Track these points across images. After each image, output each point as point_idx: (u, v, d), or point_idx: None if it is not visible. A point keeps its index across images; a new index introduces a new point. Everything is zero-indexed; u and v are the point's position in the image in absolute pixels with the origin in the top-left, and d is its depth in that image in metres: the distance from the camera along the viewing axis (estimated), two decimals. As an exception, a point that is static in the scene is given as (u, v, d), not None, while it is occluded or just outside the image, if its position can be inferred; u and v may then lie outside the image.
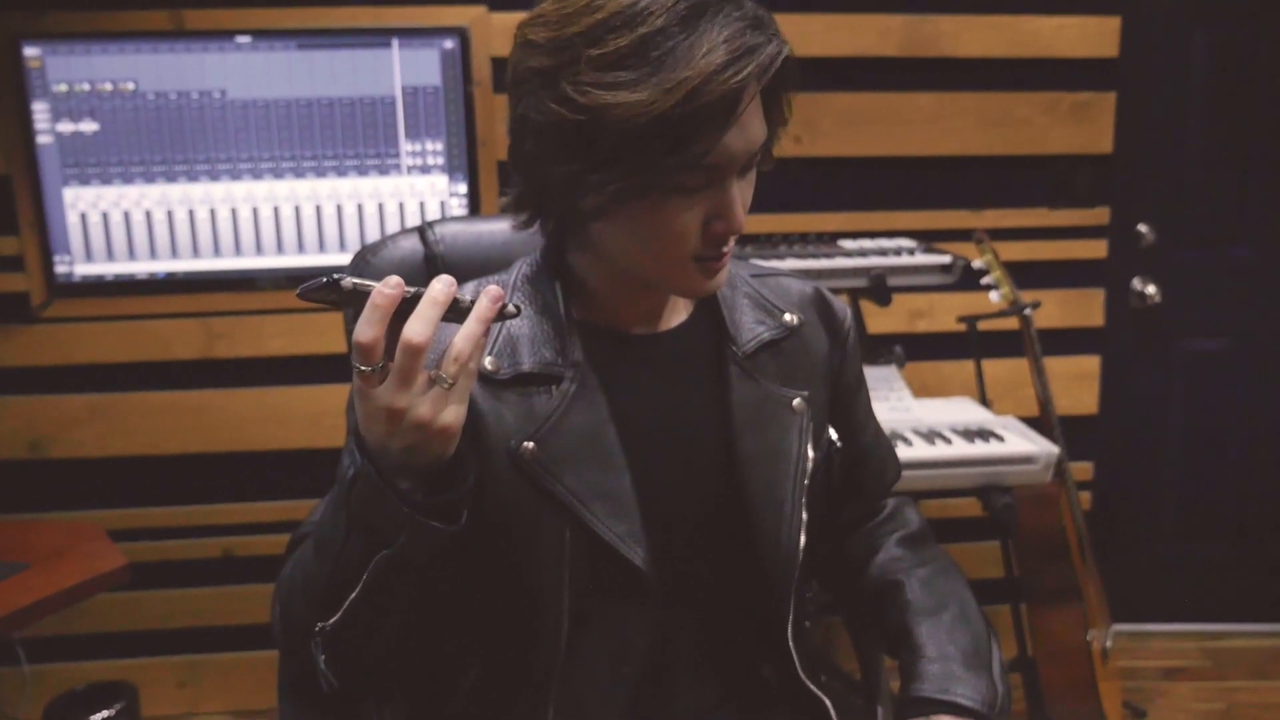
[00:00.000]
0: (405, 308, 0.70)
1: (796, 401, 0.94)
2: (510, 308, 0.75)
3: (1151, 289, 2.39)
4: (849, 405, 1.03)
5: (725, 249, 0.84)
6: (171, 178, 2.07)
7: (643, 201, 0.78)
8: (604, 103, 0.73)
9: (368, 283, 0.69)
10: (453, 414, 0.72)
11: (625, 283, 0.90)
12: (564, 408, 0.87)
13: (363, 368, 0.70)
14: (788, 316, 0.97)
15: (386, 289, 0.69)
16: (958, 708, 0.89)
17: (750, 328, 0.95)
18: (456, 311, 0.72)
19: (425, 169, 2.13)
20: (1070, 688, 1.99)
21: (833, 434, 1.00)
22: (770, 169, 0.90)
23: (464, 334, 0.72)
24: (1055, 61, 2.25)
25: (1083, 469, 2.45)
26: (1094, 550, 2.11)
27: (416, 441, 0.72)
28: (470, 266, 1.11)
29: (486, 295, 0.72)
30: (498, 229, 1.18)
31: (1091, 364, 2.42)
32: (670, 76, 0.72)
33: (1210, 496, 2.55)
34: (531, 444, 0.85)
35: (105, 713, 1.98)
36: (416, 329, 0.69)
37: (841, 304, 1.03)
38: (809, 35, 2.15)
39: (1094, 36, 2.24)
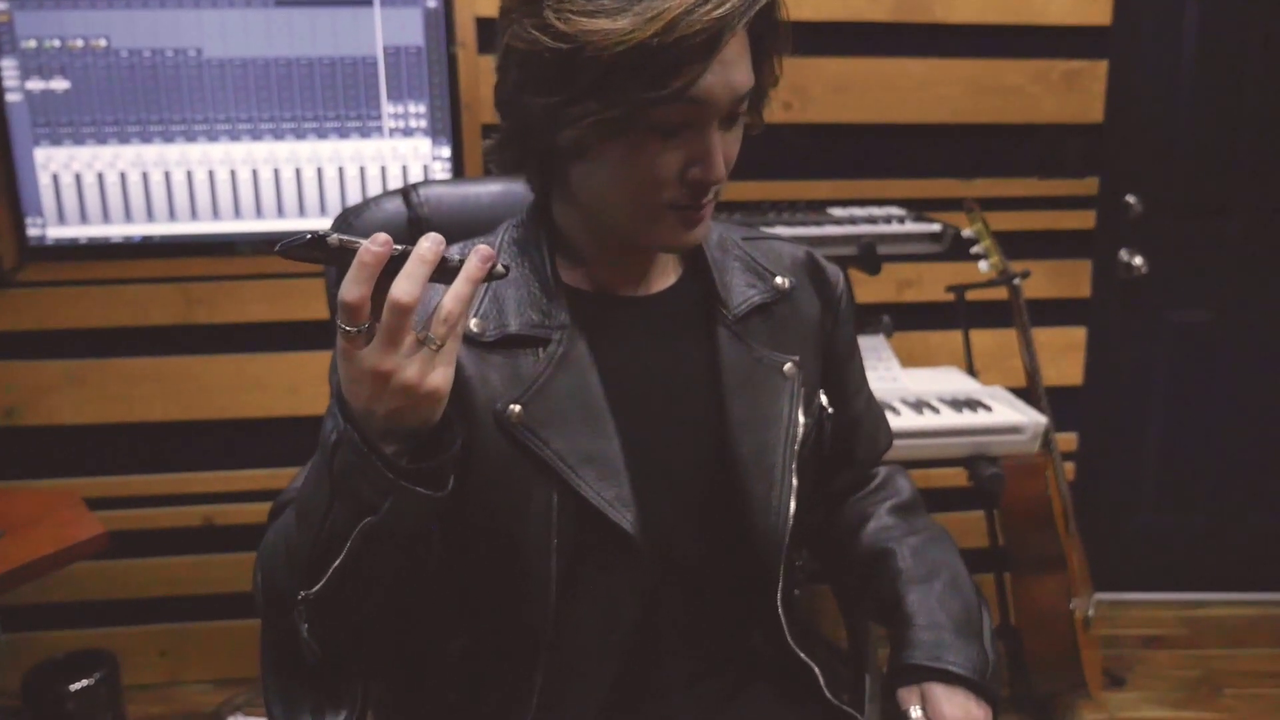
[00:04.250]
0: (392, 266, 0.67)
1: (787, 366, 0.93)
2: (499, 268, 0.73)
3: (1138, 260, 2.39)
4: (841, 371, 1.01)
5: (705, 200, 0.82)
6: (146, 138, 2.01)
7: (621, 140, 0.77)
8: (584, 29, 0.72)
9: (354, 239, 0.67)
10: (440, 376, 0.70)
11: (609, 240, 0.88)
12: (551, 370, 0.85)
13: (348, 328, 0.68)
14: (779, 280, 0.95)
15: (374, 246, 0.66)
16: (949, 675, 0.89)
17: (741, 290, 0.94)
18: (444, 271, 0.70)
19: (407, 132, 2.09)
20: (1053, 656, 2.01)
21: (824, 400, 0.98)
22: (759, 132, 0.89)
23: (453, 294, 0.69)
24: (1047, 29, 2.23)
25: (1067, 439, 2.46)
26: (1076, 520, 2.12)
27: (403, 405, 0.70)
28: (455, 229, 1.08)
29: (476, 254, 0.70)
30: (484, 191, 1.17)
31: (1077, 335, 2.42)
32: (651, 6, 0.72)
33: (1192, 468, 2.57)
34: (518, 407, 0.83)
35: (85, 681, 1.97)
36: (405, 288, 0.67)
37: (834, 268, 1.01)
38: (800, -1, 2.12)
39: (1087, 4, 2.22)
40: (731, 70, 0.77)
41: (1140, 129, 2.35)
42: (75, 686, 1.95)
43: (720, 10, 0.72)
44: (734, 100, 0.79)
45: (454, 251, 0.87)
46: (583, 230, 0.89)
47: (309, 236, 0.66)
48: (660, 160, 0.78)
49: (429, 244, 0.69)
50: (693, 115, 0.77)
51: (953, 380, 1.98)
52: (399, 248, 0.68)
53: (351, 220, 1.12)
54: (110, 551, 1.63)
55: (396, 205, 1.13)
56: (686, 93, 0.74)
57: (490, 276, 0.72)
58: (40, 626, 2.20)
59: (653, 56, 0.72)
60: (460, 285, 0.70)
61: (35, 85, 1.97)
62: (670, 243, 0.85)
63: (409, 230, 1.12)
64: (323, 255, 0.67)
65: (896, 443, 1.12)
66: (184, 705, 2.22)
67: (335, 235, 0.66)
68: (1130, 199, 2.39)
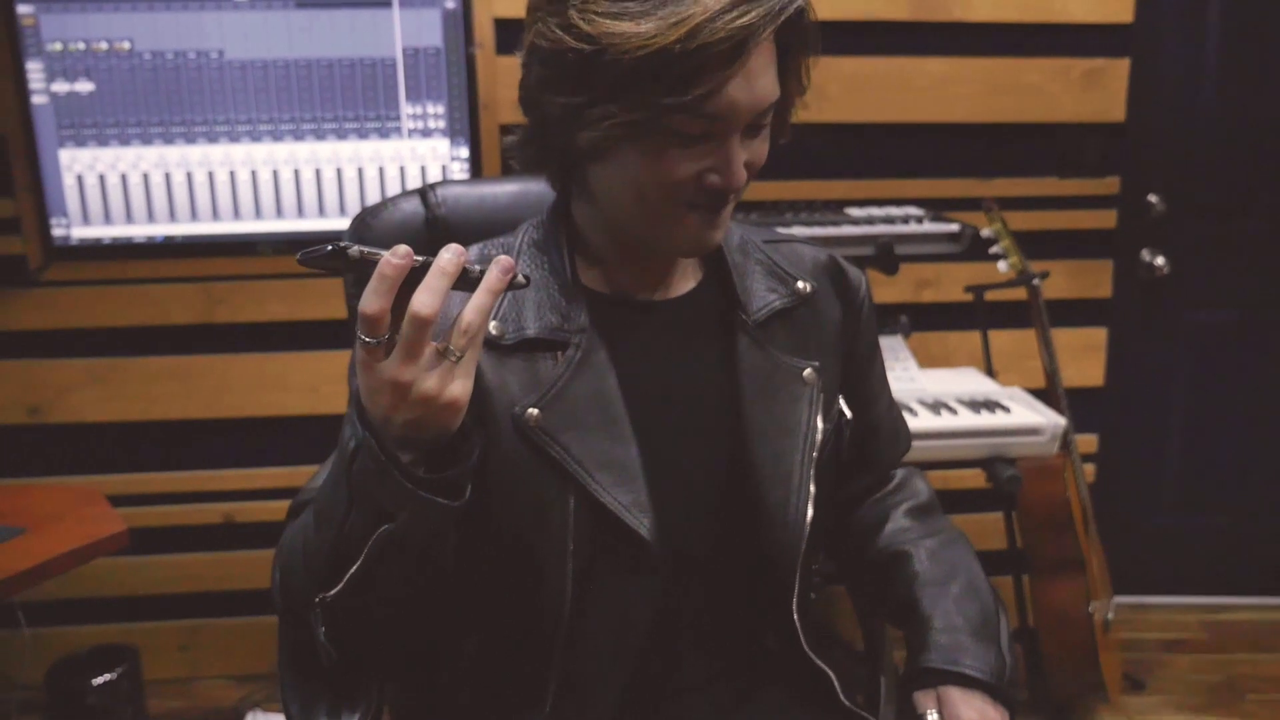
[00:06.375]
0: (412, 277, 0.67)
1: (807, 372, 0.93)
2: (520, 278, 0.72)
3: (1160, 260, 2.36)
4: (862, 376, 1.01)
5: (725, 203, 0.81)
6: (169, 139, 2.03)
7: (639, 144, 0.77)
8: (606, 31, 0.72)
9: (376, 251, 0.67)
10: (459, 387, 0.70)
11: (627, 242, 0.88)
12: (569, 374, 0.85)
13: (368, 339, 0.68)
14: (800, 284, 0.95)
15: (395, 258, 0.66)
16: (966, 679, 0.88)
17: (762, 295, 0.93)
18: (465, 281, 0.70)
19: (426, 132, 2.10)
20: (1071, 659, 1.99)
21: (843, 406, 0.98)
22: (786, 140, 0.87)
23: (473, 306, 0.69)
24: (1068, 27, 2.21)
25: (1087, 441, 2.44)
26: (1096, 522, 2.10)
27: (421, 415, 0.70)
28: (473, 230, 1.09)
29: (497, 266, 0.70)
30: (501, 192, 1.16)
31: (1098, 335, 2.40)
32: (675, 11, 0.71)
33: (1214, 470, 2.54)
34: (536, 411, 0.83)
35: (107, 676, 1.99)
36: (425, 300, 0.67)
37: (856, 272, 1.01)
38: (818, -2, 2.11)
39: (1108, 1, 2.19)
40: (756, 82, 0.76)
41: (1162, 128, 2.33)
42: (97, 681, 1.97)
43: (745, 19, 0.71)
44: (757, 112, 0.78)
45: (473, 253, 0.87)
46: (602, 232, 0.89)
47: (330, 248, 0.66)
48: (678, 166, 0.78)
49: (449, 256, 0.68)
50: (713, 127, 0.77)
51: (971, 381, 1.97)
52: (419, 259, 0.68)
53: (369, 221, 1.12)
54: (132, 548, 1.64)
55: (414, 205, 1.13)
56: (707, 101, 0.74)
57: (511, 286, 0.72)
58: (63, 622, 2.22)
59: (674, 62, 0.71)
60: (480, 297, 0.70)
61: (60, 87, 1.99)
62: (686, 246, 0.85)
63: (426, 230, 1.12)
64: (343, 266, 0.67)
65: (914, 444, 1.11)
66: (204, 700, 2.24)
67: (356, 247, 0.67)
68: (1152, 198, 2.36)
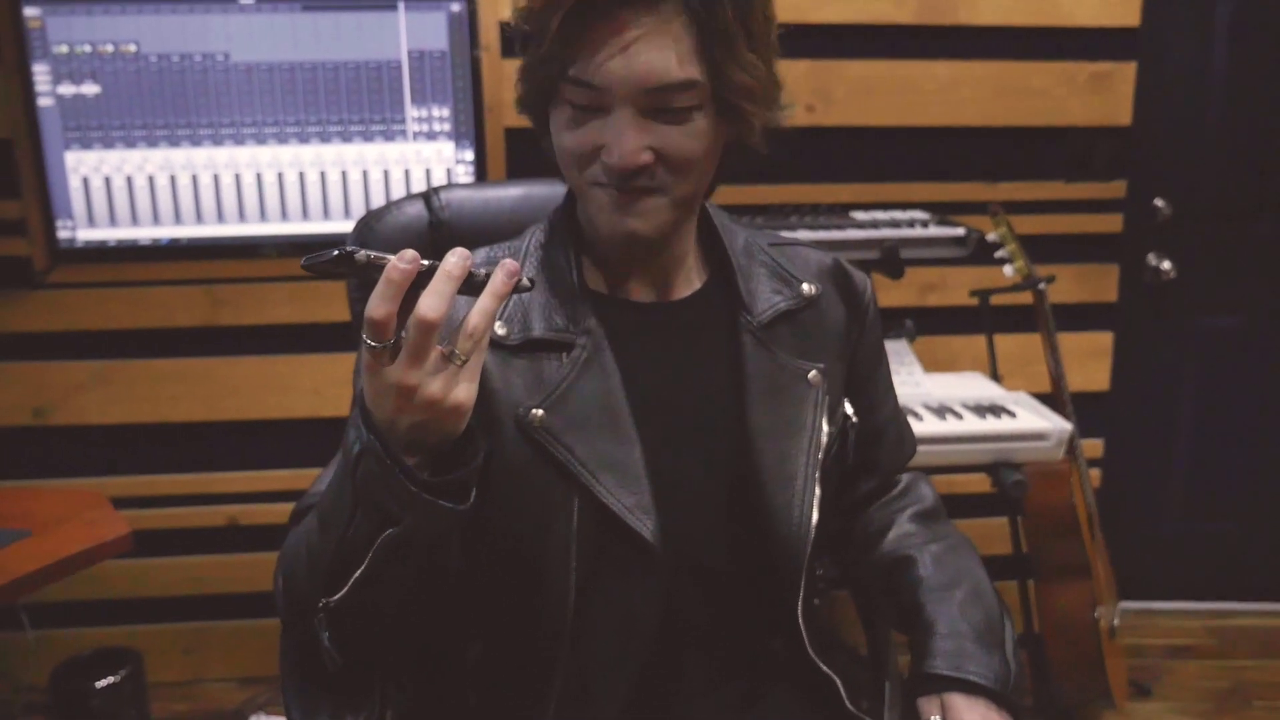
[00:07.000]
0: (418, 281, 0.67)
1: (812, 374, 0.92)
2: (525, 281, 0.72)
3: (1167, 265, 2.36)
4: (866, 379, 1.01)
5: (623, 184, 0.80)
6: (174, 142, 2.04)
7: (553, 113, 0.83)
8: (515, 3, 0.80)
9: (382, 255, 0.67)
10: (465, 391, 0.70)
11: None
12: (574, 375, 0.85)
13: (373, 343, 0.68)
14: (805, 287, 0.95)
15: (402, 263, 0.66)
16: (970, 685, 0.88)
17: (766, 297, 0.93)
18: (470, 285, 0.70)
19: (431, 135, 2.10)
20: (1077, 664, 1.98)
21: (848, 408, 0.98)
22: (757, 144, 0.85)
23: (479, 309, 0.70)
24: (1075, 30, 2.20)
25: (1093, 446, 2.43)
26: (1102, 527, 2.09)
27: (427, 419, 0.70)
28: (477, 234, 1.09)
29: (502, 269, 0.70)
30: (505, 196, 1.16)
31: (1104, 340, 2.39)
32: None
33: (1220, 475, 2.53)
34: (540, 411, 0.83)
35: (111, 678, 1.99)
36: (431, 304, 0.67)
37: (862, 276, 1.01)
38: (823, 0, 2.11)
39: (1115, 5, 2.19)
40: (640, 56, 0.76)
41: (1169, 131, 2.32)
42: (101, 683, 1.97)
43: None
44: (643, 88, 0.77)
45: (480, 257, 0.87)
46: (590, 227, 0.89)
47: (336, 253, 0.66)
48: (572, 135, 0.81)
49: (455, 260, 0.68)
50: (593, 98, 0.79)
51: (976, 385, 1.96)
52: (426, 263, 0.68)
53: (373, 225, 1.12)
54: (135, 550, 1.65)
55: (417, 209, 1.13)
56: (571, 65, 0.78)
57: (516, 290, 0.72)
58: (67, 624, 2.22)
59: (540, 29, 0.77)
60: (486, 301, 0.70)
61: (66, 90, 1.99)
62: (603, 228, 0.84)
63: (430, 234, 1.12)
64: (349, 271, 0.67)
65: (919, 448, 1.11)
66: (207, 703, 2.24)
67: (363, 251, 0.67)
68: (1159, 202, 2.36)
